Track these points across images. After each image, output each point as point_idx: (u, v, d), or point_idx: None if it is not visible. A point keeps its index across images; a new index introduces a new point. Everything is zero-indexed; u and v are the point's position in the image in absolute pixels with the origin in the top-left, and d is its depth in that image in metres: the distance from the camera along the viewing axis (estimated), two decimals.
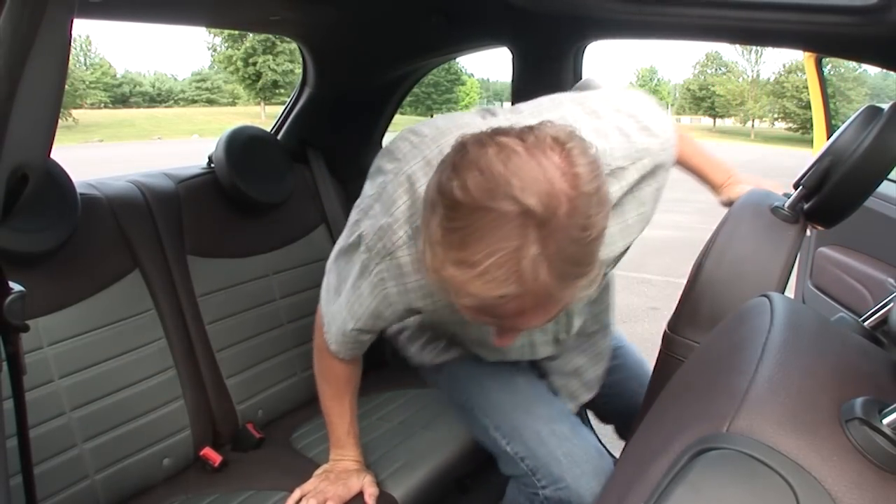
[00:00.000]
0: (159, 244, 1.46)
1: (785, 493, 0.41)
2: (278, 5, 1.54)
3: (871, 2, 0.99)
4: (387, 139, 2.11)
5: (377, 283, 0.98)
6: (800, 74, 37.95)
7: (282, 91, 38.13)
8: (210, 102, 52.61)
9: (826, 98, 2.69)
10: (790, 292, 2.50)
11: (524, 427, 1.16)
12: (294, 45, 1.92)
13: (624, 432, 1.20)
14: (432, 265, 0.73)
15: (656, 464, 0.49)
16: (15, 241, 1.16)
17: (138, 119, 38.24)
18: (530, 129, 0.73)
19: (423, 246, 0.75)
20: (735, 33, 1.36)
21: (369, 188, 1.03)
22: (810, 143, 3.52)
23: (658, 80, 59.90)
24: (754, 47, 38.30)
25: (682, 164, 1.31)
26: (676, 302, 1.05)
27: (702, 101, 49.09)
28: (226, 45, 39.06)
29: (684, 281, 1.05)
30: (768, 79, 46.48)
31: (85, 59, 48.26)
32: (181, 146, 21.91)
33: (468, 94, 53.38)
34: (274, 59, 38.06)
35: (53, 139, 0.67)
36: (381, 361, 1.69)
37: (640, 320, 4.16)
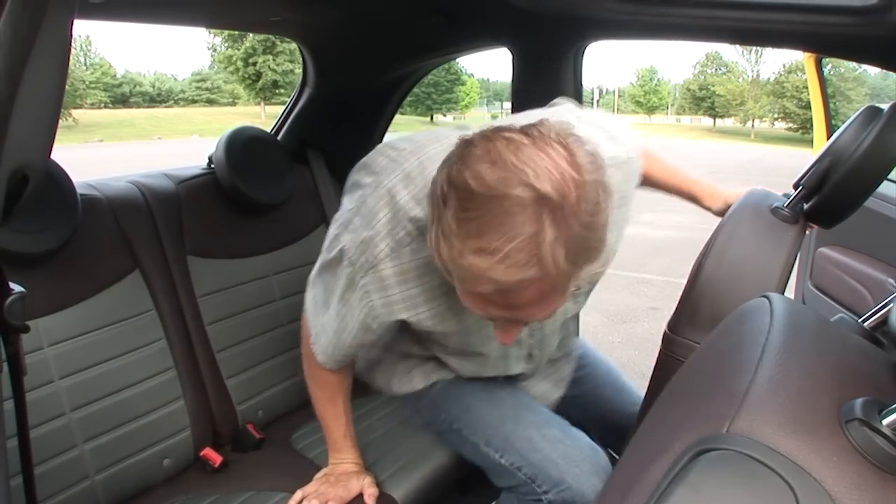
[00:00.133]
0: (159, 245, 1.46)
1: (785, 494, 0.42)
2: (278, 6, 1.55)
3: (871, 2, 0.99)
4: (387, 139, 2.11)
5: (363, 296, 0.99)
6: (800, 74, 37.97)
7: (282, 91, 38.15)
8: (210, 102, 52.65)
9: (826, 98, 2.69)
10: (790, 292, 2.50)
11: (515, 437, 1.16)
12: (294, 45, 1.92)
13: (607, 438, 1.21)
14: (450, 256, 0.74)
15: (656, 464, 0.49)
16: (15, 242, 1.16)
17: (138, 119, 38.25)
18: (532, 125, 0.76)
19: (436, 241, 0.76)
20: (735, 34, 1.36)
21: (348, 202, 1.05)
22: (810, 143, 3.52)
23: (658, 80, 59.90)
24: (754, 47, 38.27)
25: (662, 185, 1.35)
26: (676, 302, 1.05)
27: (702, 101, 49.12)
28: (226, 45, 39.08)
29: (684, 281, 1.05)
30: (768, 79, 46.56)
31: (85, 59, 48.30)
32: (181, 146, 21.91)
33: (468, 94, 53.37)
34: (274, 59, 38.07)
35: (54, 140, 0.67)
36: None
37: (640, 320, 4.16)
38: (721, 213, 1.23)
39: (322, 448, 1.32)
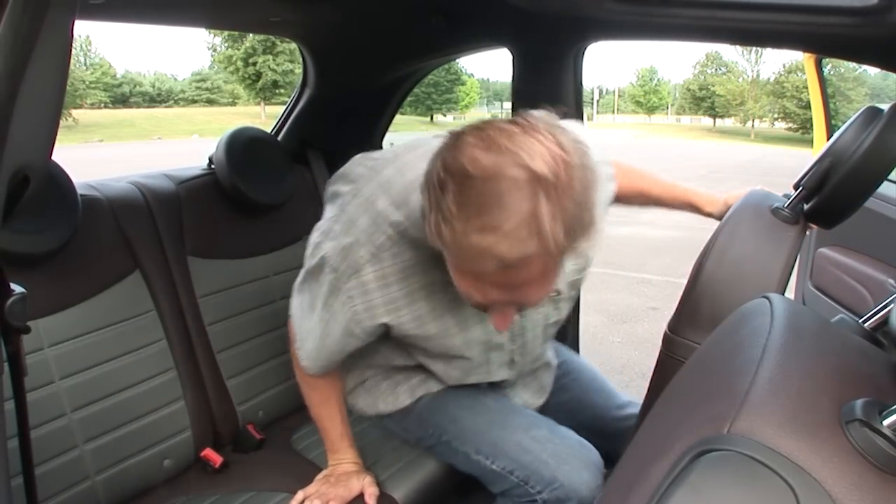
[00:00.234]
0: (160, 245, 1.46)
1: (785, 495, 0.42)
2: (278, 7, 1.54)
3: (871, 3, 0.99)
4: (387, 140, 2.11)
5: (346, 301, 1.02)
6: (800, 74, 37.94)
7: (282, 91, 38.14)
8: (210, 102, 52.63)
9: (826, 98, 2.69)
10: (790, 293, 2.50)
11: (504, 441, 1.18)
12: (294, 45, 1.92)
13: (596, 443, 1.22)
14: (453, 239, 0.77)
15: (657, 465, 0.49)
16: (15, 243, 1.16)
17: (138, 119, 38.25)
18: (519, 116, 0.80)
19: (437, 226, 0.79)
20: (735, 34, 1.36)
21: (329, 211, 1.08)
22: (810, 143, 3.52)
23: (658, 80, 59.91)
24: (754, 48, 38.27)
25: (660, 199, 1.38)
26: (676, 302, 1.05)
27: (702, 101, 49.09)
28: (226, 45, 39.05)
29: (684, 281, 1.06)
30: (768, 79, 46.49)
31: (85, 59, 48.27)
32: (181, 146, 21.91)
33: (468, 94, 53.32)
34: (274, 59, 38.05)
35: (55, 141, 0.67)
36: None
37: (640, 320, 4.16)
38: (722, 217, 1.23)
39: (322, 448, 1.32)
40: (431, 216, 0.79)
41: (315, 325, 1.09)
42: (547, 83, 1.59)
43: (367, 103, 2.01)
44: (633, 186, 1.34)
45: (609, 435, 1.32)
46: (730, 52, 52.61)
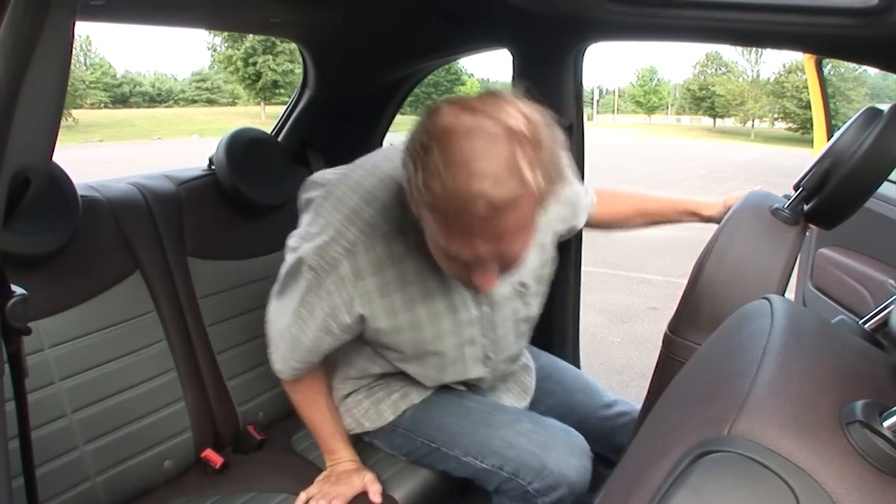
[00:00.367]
0: (160, 246, 1.46)
1: (786, 496, 0.42)
2: (278, 7, 1.55)
3: (871, 3, 0.99)
4: (387, 140, 2.11)
5: (324, 297, 1.06)
6: (800, 74, 37.93)
7: (282, 91, 38.13)
8: (210, 102, 52.62)
9: (826, 98, 2.69)
10: (791, 293, 2.51)
11: (490, 439, 1.20)
12: (294, 45, 1.92)
13: (587, 443, 1.23)
14: (442, 189, 0.83)
15: (657, 467, 0.49)
16: (16, 244, 1.16)
17: (138, 119, 38.25)
18: (487, 90, 0.89)
19: (425, 184, 0.84)
20: (735, 35, 1.36)
21: (304, 218, 1.12)
22: (810, 143, 3.53)
23: (658, 80, 59.92)
24: (754, 48, 38.25)
25: (658, 213, 1.42)
26: (676, 302, 1.05)
27: (702, 101, 49.07)
28: (226, 45, 39.04)
29: (684, 281, 1.06)
30: (768, 79, 46.46)
31: (85, 59, 48.24)
32: (181, 146, 21.92)
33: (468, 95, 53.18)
34: (274, 59, 38.04)
35: (55, 142, 0.67)
36: None
37: (640, 320, 4.16)
38: (719, 219, 1.23)
39: None
40: (419, 177, 0.85)
41: (291, 325, 1.11)
42: (547, 84, 1.59)
43: (367, 104, 2.01)
44: (629, 205, 1.41)
45: (599, 435, 1.34)
46: (730, 52, 52.66)
